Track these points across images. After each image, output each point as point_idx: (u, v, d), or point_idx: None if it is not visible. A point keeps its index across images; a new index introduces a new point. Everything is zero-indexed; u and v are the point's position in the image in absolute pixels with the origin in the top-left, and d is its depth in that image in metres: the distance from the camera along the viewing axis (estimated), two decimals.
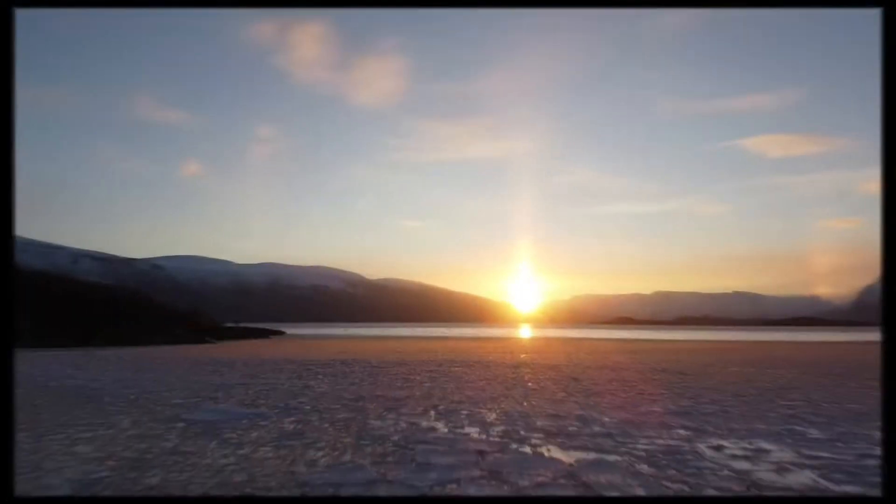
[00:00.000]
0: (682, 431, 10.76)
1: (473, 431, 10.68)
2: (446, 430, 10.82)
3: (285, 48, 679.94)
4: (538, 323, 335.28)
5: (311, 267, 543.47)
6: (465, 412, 12.78)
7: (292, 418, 12.08)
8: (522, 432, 10.57)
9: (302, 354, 34.08)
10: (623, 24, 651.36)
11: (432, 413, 12.70)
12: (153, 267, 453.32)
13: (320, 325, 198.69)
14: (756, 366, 26.27)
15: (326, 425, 11.25)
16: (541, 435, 10.35)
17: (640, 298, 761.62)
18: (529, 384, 18.37)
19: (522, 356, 32.66)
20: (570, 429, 10.93)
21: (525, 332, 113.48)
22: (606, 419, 11.99)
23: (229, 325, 79.94)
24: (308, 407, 13.54)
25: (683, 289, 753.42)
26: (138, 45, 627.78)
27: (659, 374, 21.86)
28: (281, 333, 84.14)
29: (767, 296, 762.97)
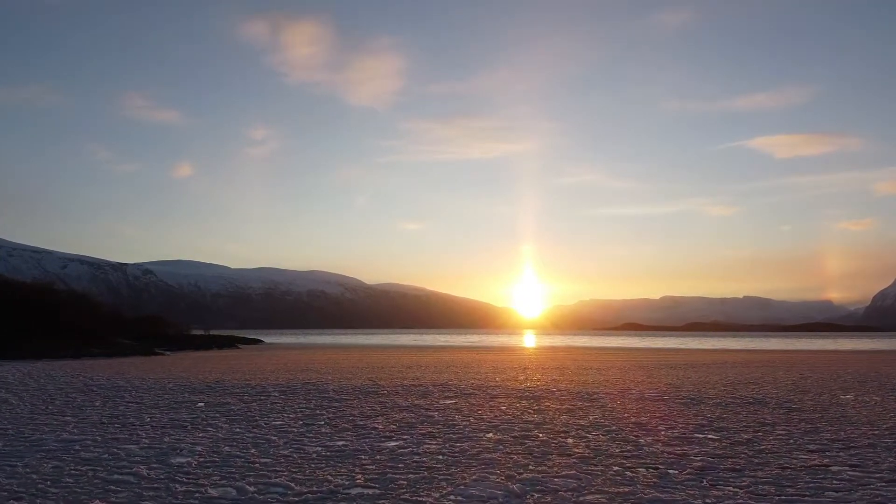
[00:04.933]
0: None
1: None
2: None
3: (279, 47, 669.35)
4: (543, 329, 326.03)
5: (308, 272, 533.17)
6: None
7: None
8: None
9: (248, 372, 26.21)
10: (626, 22, 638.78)
11: None
12: (144, 272, 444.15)
13: (315, 333, 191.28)
14: (870, 391, 18.39)
15: None
16: None
17: (647, 304, 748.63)
18: (570, 441, 10.59)
19: (538, 377, 24.77)
20: None
21: (531, 340, 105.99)
22: None
23: (197, 332, 71.90)
24: None
25: (692, 293, 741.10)
26: (129, 44, 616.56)
27: (759, 411, 14.09)
28: (257, 342, 76.22)
29: (778, 301, 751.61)
